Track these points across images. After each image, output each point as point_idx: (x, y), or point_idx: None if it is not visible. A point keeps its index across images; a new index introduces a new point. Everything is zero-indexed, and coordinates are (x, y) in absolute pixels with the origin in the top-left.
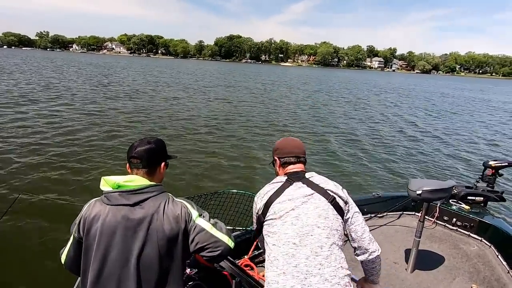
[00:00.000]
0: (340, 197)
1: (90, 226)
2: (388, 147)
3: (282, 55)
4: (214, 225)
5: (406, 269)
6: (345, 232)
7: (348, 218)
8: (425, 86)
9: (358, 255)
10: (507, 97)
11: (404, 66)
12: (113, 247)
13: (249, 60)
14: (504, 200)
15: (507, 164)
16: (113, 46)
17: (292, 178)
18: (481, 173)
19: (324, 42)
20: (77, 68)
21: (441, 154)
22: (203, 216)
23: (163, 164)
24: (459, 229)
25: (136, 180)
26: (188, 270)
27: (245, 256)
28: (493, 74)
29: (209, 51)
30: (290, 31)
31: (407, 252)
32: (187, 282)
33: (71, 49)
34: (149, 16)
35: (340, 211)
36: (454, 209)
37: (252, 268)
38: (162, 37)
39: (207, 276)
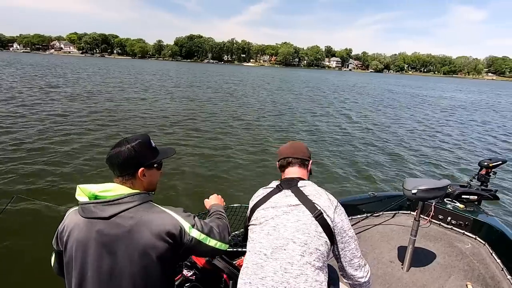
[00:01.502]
0: (328, 215)
1: (66, 240)
2: (375, 146)
3: (244, 55)
4: (209, 233)
5: (402, 268)
6: (335, 253)
7: (338, 241)
8: (384, 84)
9: (344, 277)
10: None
11: (359, 65)
12: (88, 266)
13: (212, 60)
14: (498, 198)
15: (500, 162)
16: (62, 46)
17: (283, 184)
18: (476, 172)
19: (285, 43)
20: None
21: (435, 153)
22: (196, 226)
23: (140, 170)
24: (453, 228)
25: (114, 189)
26: (185, 272)
27: (242, 257)
28: (436, 72)
29: (169, 51)
30: (251, 32)
31: (403, 250)
32: (184, 283)
33: (11, 49)
34: (100, 14)
35: (326, 229)
36: (449, 208)
37: None
38: (117, 36)
39: (204, 277)
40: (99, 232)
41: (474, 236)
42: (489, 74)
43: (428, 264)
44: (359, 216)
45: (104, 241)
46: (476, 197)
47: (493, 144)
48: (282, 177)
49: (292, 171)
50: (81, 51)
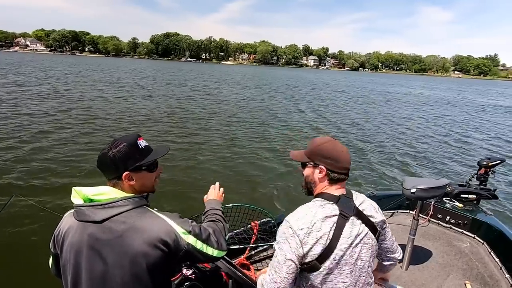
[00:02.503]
0: (378, 224)
1: (62, 242)
2: (377, 145)
3: (222, 54)
4: (207, 239)
5: (401, 267)
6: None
7: (382, 235)
8: (364, 83)
9: (384, 261)
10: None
11: (336, 64)
12: (82, 270)
13: (189, 59)
14: (496, 197)
15: (499, 161)
16: (28, 43)
17: (346, 211)
18: (475, 172)
19: (263, 41)
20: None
21: (433, 152)
22: (193, 233)
23: (125, 174)
24: (452, 227)
25: (108, 192)
26: (184, 270)
27: (242, 256)
28: (407, 70)
29: (145, 49)
30: (229, 30)
31: (402, 249)
32: (183, 282)
33: None
34: (68, 9)
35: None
36: (448, 207)
37: (248, 268)
38: (88, 33)
39: (203, 276)
40: (90, 235)
41: (472, 235)
42: (456, 72)
43: (427, 263)
44: None
45: (95, 245)
46: (475, 196)
47: (485, 141)
48: (329, 188)
49: (344, 184)
50: (49, 49)
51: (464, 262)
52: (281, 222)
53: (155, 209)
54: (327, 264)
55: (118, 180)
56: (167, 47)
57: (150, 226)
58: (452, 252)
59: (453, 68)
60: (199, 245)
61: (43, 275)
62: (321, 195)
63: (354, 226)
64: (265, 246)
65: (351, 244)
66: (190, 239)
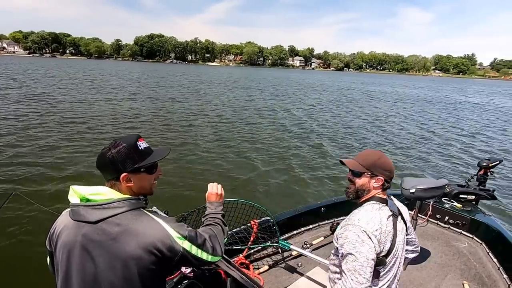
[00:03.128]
0: (407, 219)
1: (56, 241)
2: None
3: (208, 55)
4: (202, 245)
5: None
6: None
7: (408, 229)
8: (348, 82)
9: (408, 254)
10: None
11: (321, 64)
12: (73, 270)
13: (175, 60)
14: (495, 198)
15: (498, 162)
16: (5, 45)
17: (395, 211)
18: (475, 173)
19: (249, 42)
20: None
21: (432, 152)
22: (189, 238)
23: (123, 176)
24: (451, 227)
25: (105, 193)
26: (183, 269)
27: (240, 255)
28: (390, 70)
29: (129, 51)
30: (215, 31)
31: None
32: (182, 280)
33: None
34: (45, 10)
35: None
36: (447, 207)
37: (247, 266)
38: (69, 35)
39: (202, 274)
40: (84, 236)
41: (471, 236)
42: (436, 71)
43: (425, 263)
44: None
45: (88, 246)
46: (473, 196)
47: (477, 140)
48: (380, 195)
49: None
50: (27, 51)
51: (463, 262)
52: (280, 222)
53: (153, 209)
54: (389, 258)
55: (116, 181)
56: (151, 49)
57: (145, 229)
58: (451, 252)
59: (434, 67)
60: (194, 250)
61: (41, 273)
62: (372, 198)
63: (399, 223)
64: (264, 245)
65: (402, 239)
66: (186, 244)
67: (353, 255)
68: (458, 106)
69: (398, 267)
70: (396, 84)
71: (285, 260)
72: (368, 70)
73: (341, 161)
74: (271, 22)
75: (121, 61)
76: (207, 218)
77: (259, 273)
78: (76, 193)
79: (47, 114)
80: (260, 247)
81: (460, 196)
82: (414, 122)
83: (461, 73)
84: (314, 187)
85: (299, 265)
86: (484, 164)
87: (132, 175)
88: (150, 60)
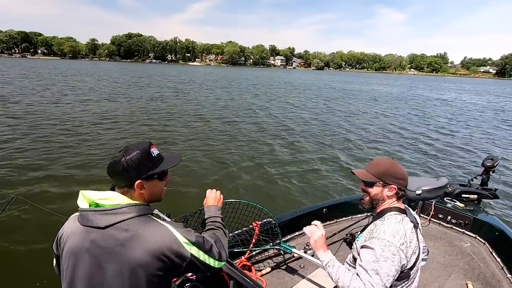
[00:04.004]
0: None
1: (63, 246)
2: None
3: (189, 55)
4: (209, 251)
5: None
6: None
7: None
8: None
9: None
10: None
11: (302, 63)
12: (78, 276)
13: (154, 60)
14: (497, 197)
15: (499, 161)
16: None
17: (415, 221)
18: (480, 173)
19: (230, 42)
20: None
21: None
22: (196, 243)
23: (137, 183)
24: (454, 227)
25: (114, 198)
26: None
27: (243, 257)
28: (368, 69)
29: (106, 51)
30: (195, 30)
31: None
32: (184, 283)
33: None
34: (13, 8)
35: None
36: (449, 207)
37: (249, 268)
38: (41, 34)
39: (204, 277)
40: (93, 242)
41: (474, 235)
42: (412, 69)
43: (428, 263)
44: (359, 215)
45: (96, 252)
46: (476, 196)
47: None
48: (399, 205)
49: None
50: None
51: (466, 262)
52: (282, 223)
53: (155, 212)
54: (414, 271)
55: (129, 188)
56: (129, 48)
57: (154, 235)
58: (454, 252)
59: (409, 66)
60: (201, 256)
61: (43, 275)
62: (390, 209)
63: (419, 233)
64: (266, 247)
65: (423, 249)
66: (193, 250)
67: (374, 269)
68: (429, 103)
69: (417, 277)
70: (375, 82)
71: (288, 261)
72: (347, 69)
73: (352, 172)
74: (251, 22)
75: (98, 61)
76: (207, 223)
77: (261, 275)
78: (85, 198)
79: (18, 118)
80: (262, 249)
81: (463, 195)
82: (395, 120)
83: (434, 71)
84: (314, 188)
85: (302, 266)
86: (488, 164)
87: (146, 182)
88: (129, 60)
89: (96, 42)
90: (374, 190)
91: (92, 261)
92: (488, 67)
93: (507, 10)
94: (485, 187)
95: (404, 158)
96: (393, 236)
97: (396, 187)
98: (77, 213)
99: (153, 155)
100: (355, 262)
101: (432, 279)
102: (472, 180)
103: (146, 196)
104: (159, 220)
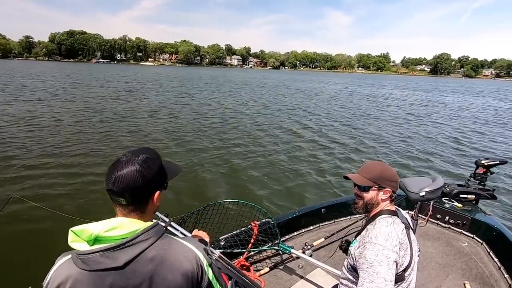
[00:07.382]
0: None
1: None
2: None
3: (141, 54)
4: (219, 276)
5: None
6: None
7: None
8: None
9: None
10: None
11: (258, 63)
12: None
13: (102, 60)
14: (495, 198)
15: (498, 162)
16: None
17: (406, 222)
18: (473, 171)
19: (185, 41)
20: None
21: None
22: (212, 266)
23: (157, 194)
24: (451, 227)
25: (123, 225)
26: None
27: (241, 257)
28: (321, 68)
29: (44, 50)
30: (146, 29)
31: None
32: None
33: None
34: None
35: None
36: (447, 207)
37: (248, 268)
38: None
39: None
40: (113, 286)
41: (472, 235)
42: (360, 68)
43: (426, 263)
44: (357, 215)
45: None
46: (473, 196)
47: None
48: (390, 207)
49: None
50: None
51: (463, 262)
52: (280, 223)
53: (161, 216)
54: (408, 273)
55: (141, 204)
56: (72, 47)
57: (180, 258)
58: (452, 252)
59: (358, 65)
60: (214, 280)
61: (41, 274)
62: (382, 212)
63: (412, 234)
64: (265, 248)
65: (416, 250)
66: (210, 273)
67: (371, 276)
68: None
69: (413, 279)
70: (328, 81)
71: (286, 262)
72: (302, 68)
73: (345, 177)
74: (204, 21)
75: (34, 60)
76: None
77: (260, 275)
78: (80, 235)
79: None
80: (260, 249)
81: (460, 195)
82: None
83: (379, 70)
84: (313, 188)
85: (300, 266)
86: (482, 163)
87: (160, 194)
88: (71, 60)
89: (31, 39)
90: (369, 195)
91: None
92: (424, 66)
93: (437, 15)
94: (483, 187)
95: (405, 158)
96: (385, 240)
97: (390, 190)
98: (68, 256)
99: (162, 163)
100: (353, 268)
101: (430, 279)
102: (469, 180)
103: (154, 210)
104: (177, 238)
